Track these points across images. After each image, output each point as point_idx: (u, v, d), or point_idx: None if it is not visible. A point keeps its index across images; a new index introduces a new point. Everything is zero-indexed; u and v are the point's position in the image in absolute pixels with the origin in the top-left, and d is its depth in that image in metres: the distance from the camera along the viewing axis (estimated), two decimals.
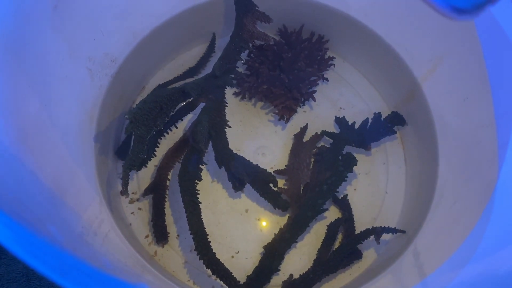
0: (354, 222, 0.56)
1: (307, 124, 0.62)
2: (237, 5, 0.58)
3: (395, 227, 0.54)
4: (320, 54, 0.63)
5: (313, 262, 0.54)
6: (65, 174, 0.43)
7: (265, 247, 0.54)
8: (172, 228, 0.56)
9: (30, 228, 0.24)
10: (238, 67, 0.61)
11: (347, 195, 0.58)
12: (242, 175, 0.52)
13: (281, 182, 0.58)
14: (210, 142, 0.54)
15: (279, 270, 0.53)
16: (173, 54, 0.66)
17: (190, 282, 0.53)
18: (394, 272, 0.50)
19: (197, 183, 0.53)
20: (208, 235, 0.50)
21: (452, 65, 0.52)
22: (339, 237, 0.56)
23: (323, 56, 0.63)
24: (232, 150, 0.55)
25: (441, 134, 0.55)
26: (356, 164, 0.56)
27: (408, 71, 0.58)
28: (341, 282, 0.54)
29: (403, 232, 0.54)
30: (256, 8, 0.57)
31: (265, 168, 0.55)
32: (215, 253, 0.50)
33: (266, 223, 0.57)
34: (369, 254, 0.56)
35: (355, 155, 0.56)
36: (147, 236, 0.55)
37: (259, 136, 0.62)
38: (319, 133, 0.61)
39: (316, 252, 0.54)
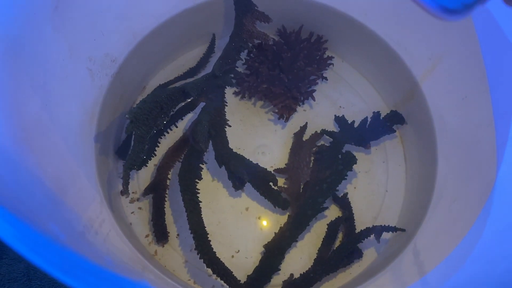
0: (355, 221, 0.57)
1: (306, 123, 0.62)
2: (236, 5, 0.58)
3: (395, 226, 0.54)
4: (319, 53, 0.63)
5: (313, 261, 0.54)
6: (65, 174, 0.44)
7: (266, 246, 0.54)
8: (172, 228, 0.56)
9: (33, 226, 0.24)
10: (237, 67, 0.61)
11: (347, 193, 0.59)
12: (242, 174, 0.52)
13: (281, 181, 0.58)
14: (210, 141, 0.54)
15: (280, 269, 0.53)
16: (173, 54, 0.66)
17: (191, 282, 0.53)
18: (394, 270, 0.50)
19: (197, 182, 0.53)
20: (208, 234, 0.51)
21: (451, 64, 0.52)
22: (340, 235, 0.56)
23: (322, 56, 0.64)
24: (232, 149, 0.55)
25: (440, 133, 0.55)
26: (355, 163, 0.56)
27: (407, 70, 0.59)
28: (341, 281, 0.54)
29: (403, 230, 0.54)
30: (256, 8, 0.57)
31: (265, 167, 0.55)
32: (215, 252, 0.50)
33: (267, 222, 0.57)
34: (369, 252, 0.56)
35: (355, 153, 0.57)
36: (147, 236, 0.55)
37: (259, 135, 0.63)
38: (318, 132, 0.61)
39: (317, 251, 0.54)
